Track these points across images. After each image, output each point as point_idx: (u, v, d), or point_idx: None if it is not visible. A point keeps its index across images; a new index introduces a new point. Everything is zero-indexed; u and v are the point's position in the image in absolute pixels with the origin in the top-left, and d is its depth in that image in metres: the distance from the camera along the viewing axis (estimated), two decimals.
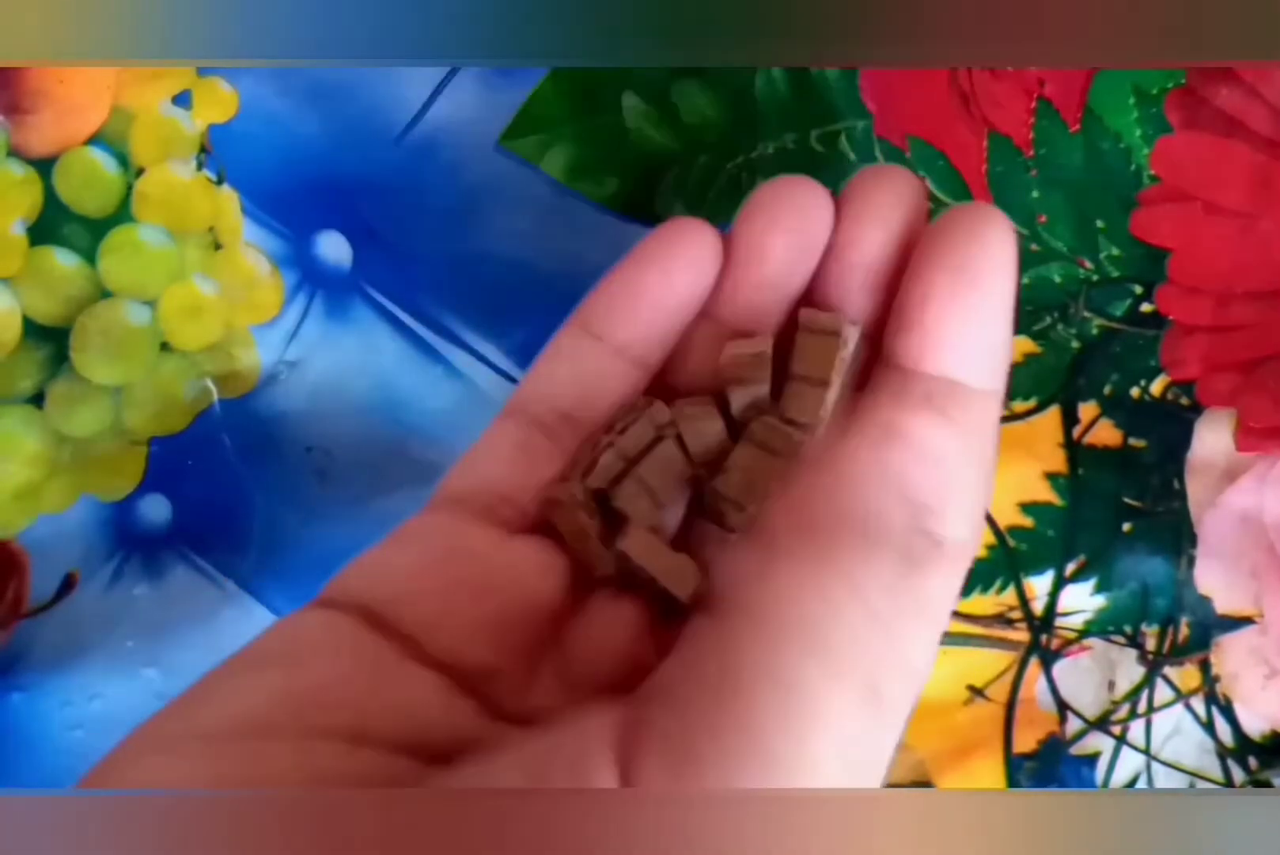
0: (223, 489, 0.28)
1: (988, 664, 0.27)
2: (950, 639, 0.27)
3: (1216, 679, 0.26)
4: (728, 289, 0.20)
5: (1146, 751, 0.26)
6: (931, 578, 0.18)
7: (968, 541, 0.18)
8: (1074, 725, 0.27)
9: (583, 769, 0.15)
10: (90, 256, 0.27)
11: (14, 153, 0.27)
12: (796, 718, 0.15)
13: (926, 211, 0.20)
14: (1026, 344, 0.26)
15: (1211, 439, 0.26)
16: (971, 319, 0.19)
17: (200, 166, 0.27)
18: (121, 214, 0.27)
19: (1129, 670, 0.26)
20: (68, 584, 0.28)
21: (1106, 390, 0.26)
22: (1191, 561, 0.26)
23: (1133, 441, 0.26)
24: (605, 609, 0.20)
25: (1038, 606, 0.27)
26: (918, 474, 0.18)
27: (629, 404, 0.20)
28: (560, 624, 0.20)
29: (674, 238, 0.20)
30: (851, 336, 0.20)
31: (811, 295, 0.20)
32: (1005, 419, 0.26)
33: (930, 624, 0.18)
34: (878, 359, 0.20)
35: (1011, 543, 0.27)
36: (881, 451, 0.18)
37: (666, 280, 0.20)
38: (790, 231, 0.20)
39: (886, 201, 0.20)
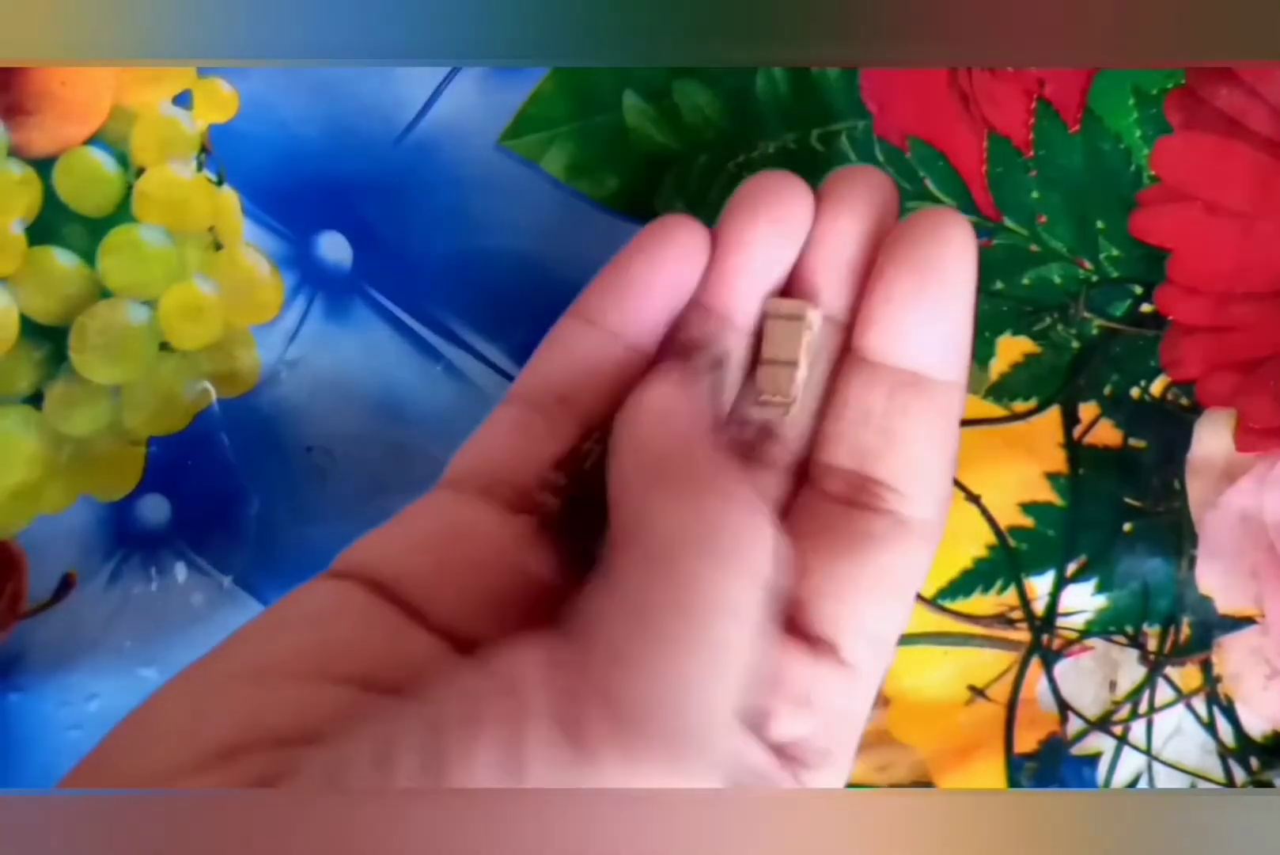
0: (222, 489, 0.28)
1: (989, 664, 0.27)
2: (951, 639, 0.27)
3: (1218, 679, 0.26)
4: (714, 277, 0.21)
5: (1148, 752, 0.26)
6: (895, 552, 0.20)
7: (932, 520, 0.20)
8: (1075, 725, 0.27)
9: (514, 697, 0.16)
10: (90, 256, 0.27)
11: (14, 153, 0.27)
12: (696, 609, 0.16)
13: (898, 209, 0.22)
14: (1026, 344, 0.26)
15: (1211, 439, 0.26)
16: (934, 315, 0.20)
17: (200, 167, 0.27)
18: (121, 214, 0.27)
19: (1130, 670, 0.26)
20: (66, 584, 0.28)
21: (1106, 390, 0.26)
22: (1192, 561, 0.26)
23: (1133, 441, 0.26)
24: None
25: (1039, 607, 0.27)
26: None
27: (608, 417, 0.21)
28: (554, 598, 0.20)
29: (663, 232, 0.21)
30: (815, 320, 0.21)
31: (791, 286, 0.22)
32: (1005, 419, 0.26)
33: (894, 593, 0.20)
34: (849, 352, 0.21)
35: (1012, 543, 0.27)
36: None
37: (655, 270, 0.21)
38: (772, 222, 0.21)
39: (861, 197, 0.21)
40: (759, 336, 0.22)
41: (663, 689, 0.15)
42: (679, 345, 0.21)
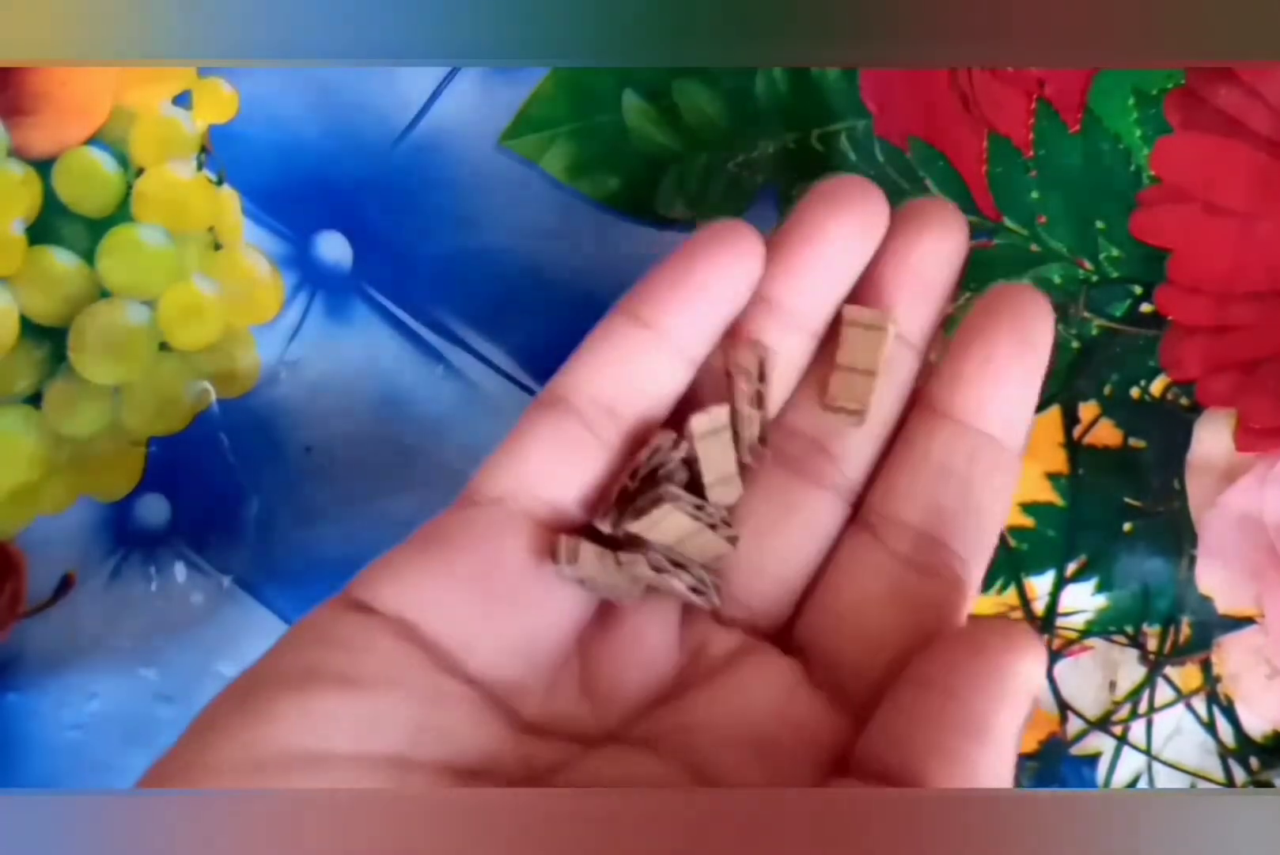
0: (222, 489, 0.28)
1: None
2: None
3: (1218, 679, 0.26)
4: (783, 271, 0.21)
5: (1148, 752, 0.26)
6: (949, 620, 0.19)
7: (977, 584, 0.20)
8: (1075, 725, 0.27)
9: None
10: (89, 256, 0.27)
11: (14, 153, 0.27)
12: None
13: (968, 248, 0.22)
14: None
15: (1211, 439, 0.26)
16: (1025, 384, 0.20)
17: (200, 167, 0.27)
18: (121, 214, 0.27)
19: (1130, 670, 0.26)
20: (66, 584, 0.28)
21: (1106, 390, 0.26)
22: (1192, 561, 0.26)
23: (1133, 441, 0.26)
24: (628, 621, 0.20)
25: (1039, 606, 0.27)
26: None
27: (652, 443, 0.20)
28: (585, 634, 0.20)
29: (720, 235, 0.20)
30: (894, 332, 0.21)
31: (862, 299, 0.21)
32: None
33: None
34: (922, 393, 0.21)
35: (1012, 543, 0.27)
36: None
37: (714, 271, 0.20)
38: (849, 216, 0.21)
39: (940, 225, 0.21)
40: (821, 343, 0.21)
41: None
42: (724, 370, 0.20)
